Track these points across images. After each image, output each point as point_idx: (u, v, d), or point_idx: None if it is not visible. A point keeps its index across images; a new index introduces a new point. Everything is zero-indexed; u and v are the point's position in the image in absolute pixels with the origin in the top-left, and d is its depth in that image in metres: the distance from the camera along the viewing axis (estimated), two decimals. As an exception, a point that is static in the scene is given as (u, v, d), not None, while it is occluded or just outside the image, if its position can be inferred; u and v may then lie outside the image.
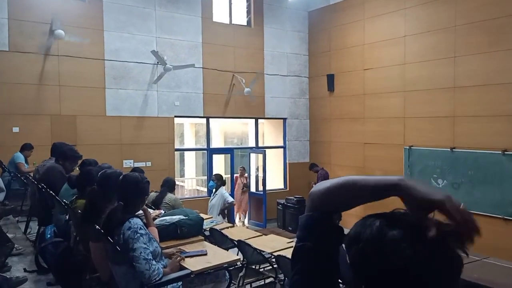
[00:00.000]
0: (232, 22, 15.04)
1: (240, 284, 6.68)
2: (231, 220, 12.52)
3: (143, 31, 12.93)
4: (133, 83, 12.82)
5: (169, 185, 8.42)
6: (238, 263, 5.82)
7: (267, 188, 15.33)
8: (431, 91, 11.99)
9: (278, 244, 6.90)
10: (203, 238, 5.68)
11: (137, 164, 11.83)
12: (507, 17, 10.36)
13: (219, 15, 14.71)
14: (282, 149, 16.30)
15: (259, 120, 15.98)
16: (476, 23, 10.93)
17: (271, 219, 15.10)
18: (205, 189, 15.61)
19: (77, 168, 6.94)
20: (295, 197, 14.39)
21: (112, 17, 12.42)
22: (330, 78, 15.22)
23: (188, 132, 21.37)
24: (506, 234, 10.31)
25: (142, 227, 4.02)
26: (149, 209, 6.02)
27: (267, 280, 6.97)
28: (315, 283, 1.35)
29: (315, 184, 12.92)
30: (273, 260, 6.49)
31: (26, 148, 10.17)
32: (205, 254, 4.86)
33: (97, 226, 4.21)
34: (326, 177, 13.81)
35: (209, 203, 11.43)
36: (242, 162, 17.34)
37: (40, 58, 11.49)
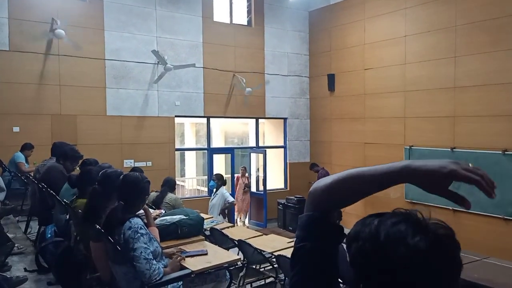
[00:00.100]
0: (233, 22, 15.04)
1: (241, 284, 6.68)
2: (232, 220, 12.53)
3: (143, 31, 12.93)
4: (134, 82, 12.82)
5: (170, 185, 8.42)
6: (239, 263, 5.82)
7: (268, 188, 15.34)
8: (431, 91, 11.99)
9: (279, 244, 6.90)
10: (203, 238, 5.68)
11: (137, 164, 11.83)
12: (507, 17, 10.36)
13: (220, 14, 14.71)
14: (282, 149, 16.30)
15: (260, 120, 15.98)
16: (477, 23, 10.93)
17: (271, 219, 15.11)
18: (206, 189, 15.61)
19: (78, 168, 6.95)
20: (296, 197, 14.40)
21: (112, 16, 12.42)
22: (331, 78, 15.22)
23: (189, 131, 21.38)
24: (507, 234, 10.32)
25: (142, 227, 4.02)
26: (149, 209, 6.03)
27: (268, 280, 6.97)
28: (315, 283, 1.35)
29: (315, 182, 12.98)
30: (274, 260, 6.49)
31: (26, 148, 10.17)
32: (206, 254, 4.86)
33: (98, 226, 4.21)
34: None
35: (209, 203, 11.44)
36: (242, 162, 17.34)
37: (41, 58, 11.50)
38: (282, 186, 16.29)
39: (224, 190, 11.40)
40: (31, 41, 11.36)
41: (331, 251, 1.37)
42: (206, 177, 15.77)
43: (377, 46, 13.62)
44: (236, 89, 14.59)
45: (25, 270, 5.80)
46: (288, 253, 6.08)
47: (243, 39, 14.89)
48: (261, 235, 7.78)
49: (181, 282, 4.37)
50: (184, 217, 5.48)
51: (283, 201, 14.77)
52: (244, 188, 14.42)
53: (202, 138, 17.78)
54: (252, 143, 16.48)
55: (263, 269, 7.15)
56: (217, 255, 4.91)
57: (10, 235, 6.51)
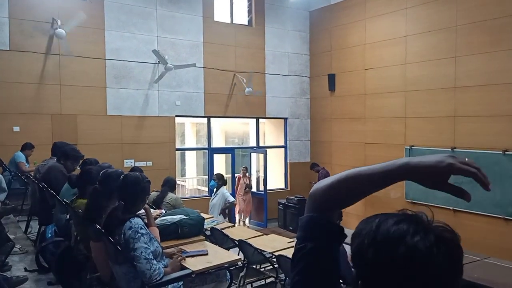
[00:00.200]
0: (233, 22, 15.04)
1: (241, 284, 6.68)
2: (232, 220, 12.52)
3: (144, 31, 12.93)
4: (134, 82, 12.83)
5: (170, 185, 8.42)
6: (239, 263, 5.82)
7: (268, 188, 15.35)
8: (432, 91, 11.99)
9: (279, 244, 6.90)
10: (204, 237, 5.68)
11: (138, 164, 11.84)
12: (508, 17, 10.36)
13: (220, 14, 14.71)
14: (283, 149, 16.30)
15: (260, 120, 15.98)
16: (477, 23, 10.93)
17: (272, 219, 15.10)
18: (206, 189, 15.62)
19: (78, 168, 6.95)
20: (296, 197, 14.40)
21: (113, 16, 12.43)
22: (331, 78, 15.21)
23: (189, 131, 21.36)
24: (507, 234, 10.32)
25: (143, 227, 4.02)
26: (150, 209, 6.03)
27: (268, 280, 6.97)
28: (316, 283, 1.35)
29: (315, 184, 12.99)
30: (274, 260, 6.50)
31: (26, 148, 10.16)
32: (206, 254, 4.85)
33: (98, 226, 4.21)
34: (327, 177, 13.75)
35: (210, 203, 11.43)
36: (243, 161, 17.34)
37: (41, 57, 11.50)
38: (283, 186, 16.29)
39: (225, 190, 11.39)
40: (32, 41, 11.36)
41: (332, 252, 1.37)
42: (206, 177, 15.79)
43: (377, 46, 13.61)
44: (237, 89, 14.58)
45: (25, 270, 5.80)
46: (288, 253, 6.09)
47: (243, 39, 14.89)
48: (262, 235, 7.78)
49: (182, 282, 4.37)
50: (185, 217, 5.48)
51: (283, 201, 14.77)
52: (245, 189, 14.40)
53: (203, 138, 17.77)
54: (252, 143, 16.48)
55: (263, 269, 7.15)
56: (217, 255, 4.91)
57: (10, 236, 6.50)
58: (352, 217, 11.68)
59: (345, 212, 11.55)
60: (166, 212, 6.51)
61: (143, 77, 12.97)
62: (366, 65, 13.99)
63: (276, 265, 6.46)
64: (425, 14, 12.19)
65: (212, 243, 5.97)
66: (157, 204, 7.80)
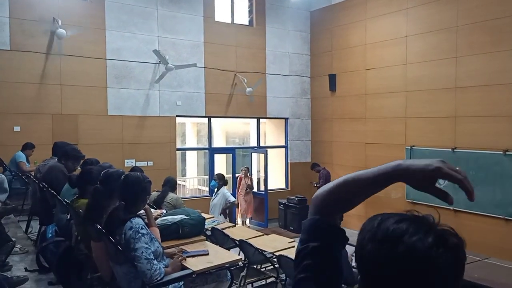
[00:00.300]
0: (234, 22, 15.04)
1: (242, 284, 6.68)
2: (233, 220, 12.52)
3: (145, 31, 12.94)
4: (135, 82, 12.83)
5: (171, 185, 8.42)
6: (240, 263, 5.82)
7: (269, 187, 15.36)
8: (432, 91, 11.98)
9: (280, 244, 6.91)
10: (204, 238, 5.67)
11: (138, 164, 11.83)
12: (509, 17, 10.35)
13: (221, 14, 14.71)
14: (283, 149, 16.29)
15: (261, 120, 15.99)
16: (478, 23, 10.93)
17: (272, 219, 15.10)
18: (207, 189, 15.62)
19: (79, 168, 6.94)
20: (297, 197, 14.40)
21: (113, 16, 12.43)
22: (332, 78, 15.22)
23: (190, 131, 21.38)
24: (507, 234, 10.32)
25: (143, 227, 4.02)
26: (151, 209, 6.03)
27: (269, 280, 6.97)
28: (317, 281, 1.37)
29: (316, 183, 12.90)
30: (275, 260, 6.50)
31: (27, 147, 10.17)
32: (207, 254, 4.85)
33: (99, 226, 4.21)
34: (327, 176, 13.83)
35: (210, 203, 11.43)
36: (243, 161, 17.35)
37: (42, 57, 11.51)
38: (283, 186, 16.29)
39: (225, 190, 11.39)
40: (32, 41, 11.36)
41: (333, 252, 1.40)
42: (207, 177, 15.79)
43: (378, 46, 13.61)
44: (237, 89, 14.59)
45: (26, 269, 5.80)
46: (289, 253, 6.09)
47: (244, 39, 14.90)
48: (262, 235, 7.79)
49: (182, 282, 4.37)
50: (185, 217, 5.48)
51: (284, 201, 14.77)
52: (247, 189, 14.40)
53: (203, 138, 17.77)
54: (253, 143, 16.49)
55: (264, 269, 7.16)
56: (218, 255, 4.90)
57: (10, 235, 6.50)
58: (353, 218, 11.67)
59: (346, 213, 11.54)
60: (166, 212, 6.51)
61: (144, 77, 12.97)
62: (367, 65, 13.99)
63: (276, 265, 6.46)
64: (426, 14, 12.19)
65: (213, 243, 5.97)
66: (157, 204, 7.80)
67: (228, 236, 7.16)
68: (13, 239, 6.22)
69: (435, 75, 11.90)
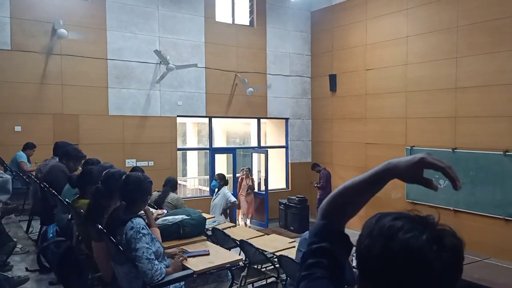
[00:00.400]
0: (235, 22, 15.05)
1: (242, 284, 6.69)
2: (233, 220, 12.51)
3: (145, 31, 12.95)
4: (136, 82, 12.84)
5: (172, 185, 8.42)
6: (240, 263, 5.82)
7: (269, 188, 15.36)
8: (433, 91, 11.99)
9: (280, 244, 6.92)
10: (205, 238, 5.68)
11: (139, 164, 11.84)
12: (508, 18, 10.36)
13: (222, 15, 14.72)
14: (284, 149, 16.30)
15: (262, 120, 16.00)
16: (478, 24, 10.93)
17: (273, 219, 15.10)
18: (207, 189, 15.63)
19: (80, 168, 6.95)
20: (297, 197, 14.40)
21: (114, 16, 12.44)
22: (332, 78, 15.22)
23: (191, 131, 21.38)
24: (507, 234, 10.32)
25: (144, 227, 4.03)
26: (151, 209, 6.03)
27: (269, 280, 6.98)
28: (322, 282, 1.39)
29: (316, 184, 12.88)
30: (275, 260, 6.51)
31: (28, 147, 10.18)
32: (208, 254, 4.86)
33: (100, 226, 4.21)
34: (328, 177, 13.83)
35: (211, 203, 11.43)
36: (244, 161, 17.35)
37: (42, 57, 11.51)
38: (284, 186, 16.30)
39: (226, 190, 11.38)
40: (33, 41, 11.37)
41: (337, 254, 1.44)
42: (208, 177, 15.79)
43: (378, 47, 13.62)
44: (238, 89, 14.60)
45: (27, 269, 5.81)
46: (289, 253, 6.11)
47: (245, 39, 14.91)
48: (263, 235, 7.80)
49: (183, 282, 4.38)
50: (186, 217, 5.48)
51: (284, 201, 14.76)
52: (248, 190, 14.41)
53: (204, 138, 17.77)
54: (254, 143, 16.50)
55: (264, 269, 7.17)
56: (219, 255, 4.91)
57: (11, 236, 6.51)
58: (354, 218, 11.63)
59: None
60: (167, 212, 6.52)
61: (144, 77, 12.98)
62: (367, 66, 14.00)
63: (277, 265, 6.47)
64: (426, 15, 12.20)
65: (214, 243, 5.98)
66: (158, 204, 7.81)
67: (228, 236, 7.17)
68: (14, 239, 6.22)
69: (435, 75, 11.91)
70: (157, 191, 8.25)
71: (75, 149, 7.31)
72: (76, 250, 5.15)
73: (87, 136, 11.97)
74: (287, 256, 5.91)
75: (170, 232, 5.27)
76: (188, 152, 20.66)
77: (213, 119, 14.87)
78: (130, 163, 12.23)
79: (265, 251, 6.58)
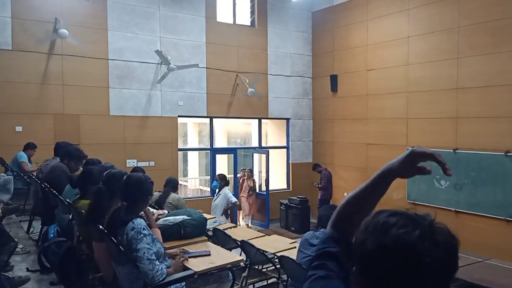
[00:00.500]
0: (236, 22, 15.06)
1: (243, 285, 6.68)
2: (234, 220, 12.51)
3: (146, 31, 12.95)
4: (137, 82, 12.84)
5: (172, 185, 8.41)
6: (241, 263, 5.82)
7: (270, 188, 15.35)
8: (434, 92, 11.98)
9: (281, 245, 6.92)
10: (206, 238, 5.67)
11: (140, 164, 11.84)
12: (510, 18, 10.35)
13: (223, 15, 14.72)
14: (285, 149, 16.30)
15: (262, 120, 16.00)
16: (480, 24, 10.93)
17: (274, 219, 15.10)
18: (208, 189, 15.63)
19: (81, 168, 6.95)
20: (298, 197, 14.41)
21: (115, 16, 12.44)
22: (333, 79, 15.22)
23: (192, 132, 21.39)
24: (508, 235, 10.31)
25: (145, 228, 4.02)
26: (152, 209, 6.03)
27: (270, 281, 6.97)
28: (325, 278, 1.45)
29: (317, 184, 12.88)
30: (276, 260, 6.50)
31: (29, 147, 10.18)
32: (209, 255, 4.85)
33: (101, 226, 4.21)
34: (329, 177, 13.84)
35: (212, 203, 11.42)
36: (245, 162, 17.35)
37: (44, 57, 11.52)
38: (285, 186, 16.30)
39: (227, 191, 11.37)
40: (34, 41, 11.38)
41: (343, 259, 1.50)
42: (208, 177, 15.79)
43: (380, 47, 13.62)
44: (239, 90, 14.60)
45: (28, 270, 5.81)
46: (290, 253, 6.10)
47: (246, 39, 14.91)
48: (264, 235, 7.80)
49: (184, 283, 4.38)
50: (187, 218, 5.48)
51: (285, 201, 14.77)
52: (249, 191, 14.41)
53: (205, 138, 17.79)
54: (254, 143, 16.50)
55: (265, 269, 7.15)
56: (220, 256, 4.91)
57: (12, 236, 6.51)
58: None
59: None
60: (168, 212, 6.52)
61: (145, 77, 12.99)
62: (368, 66, 14.00)
63: (278, 266, 6.46)
64: (427, 15, 12.19)
65: (215, 243, 5.97)
66: (159, 204, 7.80)
67: (229, 236, 7.16)
68: (15, 239, 6.22)
69: (437, 76, 11.90)
70: (158, 192, 8.24)
71: (77, 149, 7.31)
72: (77, 251, 5.15)
73: (88, 136, 11.97)
74: (288, 257, 5.89)
75: (171, 233, 5.26)
76: (189, 153, 20.66)
77: (214, 119, 14.87)
78: (131, 163, 12.23)
79: (266, 252, 6.57)
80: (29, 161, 10.09)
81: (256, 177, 15.49)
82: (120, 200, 4.34)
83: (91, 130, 12.10)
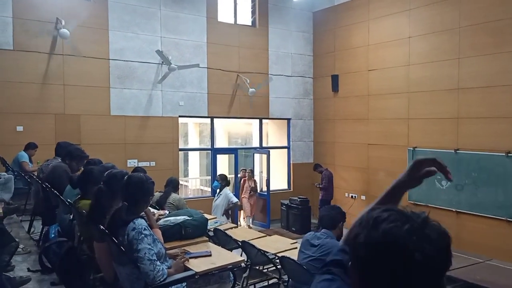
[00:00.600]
0: (237, 22, 15.06)
1: (244, 285, 6.68)
2: (235, 221, 12.51)
3: (147, 31, 12.96)
4: (138, 82, 12.85)
5: (173, 185, 8.42)
6: (242, 264, 5.82)
7: (271, 188, 15.33)
8: (435, 92, 11.98)
9: (282, 245, 6.92)
10: (207, 238, 5.67)
11: (141, 164, 11.85)
12: (511, 19, 10.34)
13: (224, 15, 14.73)
14: (286, 150, 16.30)
15: (263, 121, 16.00)
16: (480, 25, 10.92)
17: (274, 219, 15.10)
18: (209, 189, 15.62)
19: (82, 168, 6.94)
20: (299, 198, 14.40)
21: (116, 16, 12.45)
22: (335, 79, 15.22)
23: (192, 132, 21.38)
24: (509, 235, 10.30)
25: (146, 228, 4.02)
26: (153, 209, 6.03)
27: (271, 281, 6.97)
28: (327, 281, 1.51)
29: (318, 185, 12.87)
30: (277, 261, 6.49)
31: (30, 147, 10.18)
32: (210, 255, 4.85)
33: (102, 226, 4.20)
34: (330, 177, 13.83)
35: (213, 203, 11.42)
36: (246, 162, 17.34)
37: (45, 57, 11.53)
38: (286, 186, 16.29)
39: (228, 191, 11.37)
40: (35, 41, 11.39)
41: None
42: (209, 177, 15.79)
43: (381, 47, 13.61)
44: (240, 90, 14.60)
45: (29, 270, 5.80)
46: (291, 254, 6.10)
47: (247, 39, 14.91)
48: (265, 236, 7.80)
49: (185, 283, 4.37)
50: (188, 218, 5.47)
51: (286, 201, 14.76)
52: (250, 192, 14.40)
53: (206, 138, 17.79)
54: (255, 143, 16.49)
55: (266, 270, 7.15)
56: (220, 256, 4.90)
57: (13, 236, 6.50)
58: (354, 219, 11.66)
59: (348, 214, 11.53)
60: (169, 212, 6.51)
61: (146, 78, 12.99)
62: (370, 66, 13.99)
63: (279, 266, 6.45)
64: (428, 16, 12.18)
65: (215, 244, 5.97)
66: (160, 204, 7.80)
67: (230, 237, 7.16)
68: (16, 239, 6.22)
69: (438, 76, 11.90)
70: (159, 192, 8.25)
71: (78, 149, 7.30)
72: (78, 251, 5.14)
73: (89, 136, 11.98)
74: (289, 257, 5.89)
75: (172, 233, 5.26)
76: (190, 153, 20.64)
77: (215, 119, 14.88)
78: (132, 163, 12.24)
79: (267, 252, 6.57)
80: (30, 161, 10.09)
81: (257, 178, 15.49)
82: (121, 200, 4.33)
83: (92, 130, 12.11)
